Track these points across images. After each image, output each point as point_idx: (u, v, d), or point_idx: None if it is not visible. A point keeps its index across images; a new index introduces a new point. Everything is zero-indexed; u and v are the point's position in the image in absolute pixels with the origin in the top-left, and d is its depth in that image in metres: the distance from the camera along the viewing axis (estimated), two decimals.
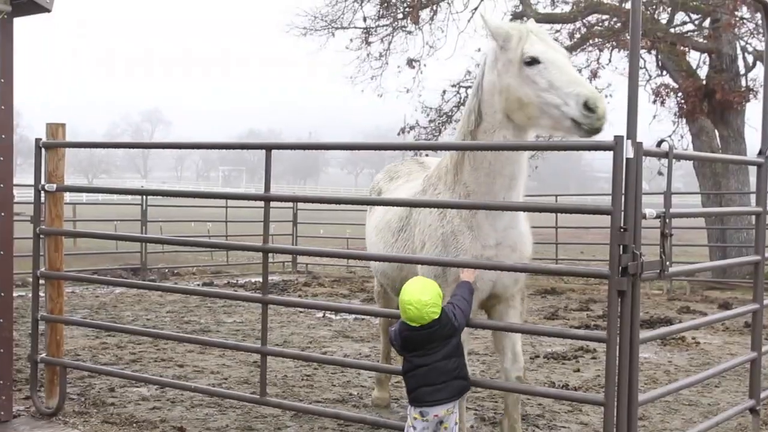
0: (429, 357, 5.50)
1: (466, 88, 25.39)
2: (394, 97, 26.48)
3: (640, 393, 5.42)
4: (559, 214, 21.67)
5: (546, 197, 26.87)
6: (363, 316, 14.48)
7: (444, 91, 25.37)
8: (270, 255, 7.39)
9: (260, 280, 7.08)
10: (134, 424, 7.53)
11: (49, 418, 7.58)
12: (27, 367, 8.76)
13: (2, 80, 7.27)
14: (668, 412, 8.58)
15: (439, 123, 25.44)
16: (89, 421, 7.60)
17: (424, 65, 25.54)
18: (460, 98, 25.39)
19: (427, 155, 12.14)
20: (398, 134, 25.76)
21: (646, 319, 14.15)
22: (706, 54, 22.40)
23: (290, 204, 23.94)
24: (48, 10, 7.36)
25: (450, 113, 25.43)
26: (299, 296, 17.69)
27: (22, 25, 7.52)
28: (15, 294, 7.88)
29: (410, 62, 25.45)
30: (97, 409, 8.07)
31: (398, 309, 5.54)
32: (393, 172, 8.51)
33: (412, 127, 25.50)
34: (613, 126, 5.79)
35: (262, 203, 7.03)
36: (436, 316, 5.45)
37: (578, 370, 10.57)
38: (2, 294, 7.34)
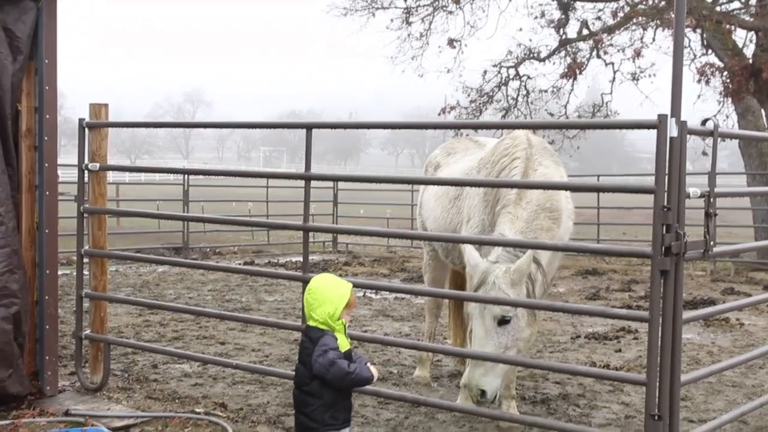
0: (296, 371, 5.08)
1: (507, 68, 25.24)
2: (434, 77, 26.41)
3: (683, 374, 5.37)
4: (601, 194, 21.51)
5: (588, 177, 26.59)
6: (403, 296, 14.50)
7: (485, 71, 25.25)
8: (310, 234, 7.43)
9: (300, 259, 7.12)
10: (177, 400, 7.62)
11: (94, 393, 7.69)
12: (72, 343, 8.88)
13: (47, 61, 7.34)
14: (711, 393, 8.50)
15: (480, 103, 25.31)
16: (132, 396, 7.70)
17: (465, 45, 25.42)
18: (501, 78, 25.24)
19: (467, 135, 12.10)
20: (439, 114, 25.68)
21: (689, 300, 14.01)
22: (752, 32, 21.99)
23: (330, 184, 24.00)
24: None
25: (491, 93, 25.29)
26: (339, 275, 17.71)
27: (65, 6, 7.59)
28: (59, 272, 7.99)
29: (451, 42, 25.32)
30: (140, 384, 8.18)
31: (444, 282, 5.48)
32: (450, 147, 9.12)
33: (452, 108, 25.40)
34: (657, 106, 5.81)
35: (302, 184, 7.07)
36: (314, 315, 4.94)
37: (619, 351, 10.50)
38: (47, 271, 7.45)
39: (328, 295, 4.99)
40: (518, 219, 6.83)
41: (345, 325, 5.07)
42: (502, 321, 6.30)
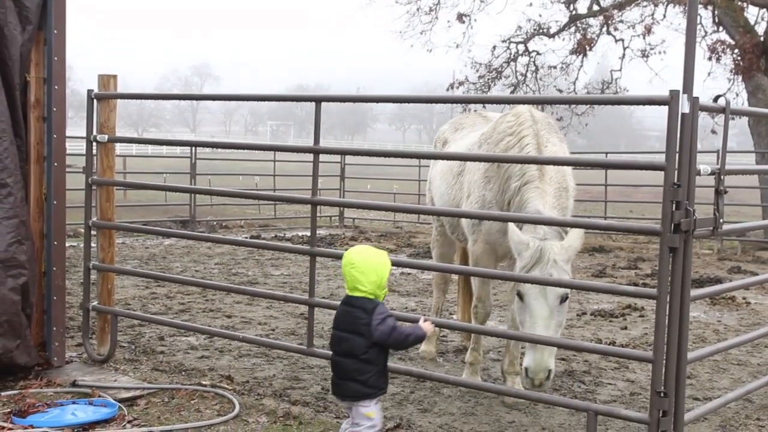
0: (337, 345, 5.22)
1: (517, 43, 25.11)
2: (443, 52, 26.29)
3: (689, 351, 5.36)
4: (608, 172, 21.45)
5: (595, 154, 26.55)
6: (409, 271, 14.51)
7: (494, 47, 25.12)
8: (317, 209, 7.42)
9: (307, 233, 7.08)
10: (183, 372, 7.65)
11: (101, 364, 7.72)
12: (79, 315, 8.92)
13: (55, 31, 7.30)
14: (717, 371, 8.50)
15: (488, 79, 25.20)
16: (139, 368, 7.73)
17: (475, 20, 25.30)
18: (510, 54, 25.11)
19: (475, 110, 12.06)
20: (447, 90, 25.61)
21: (695, 278, 13.98)
22: (764, 9, 21.82)
23: (338, 159, 23.99)
24: None
25: (500, 69, 25.18)
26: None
27: None
28: (67, 244, 7.99)
29: (460, 17, 25.20)
30: (147, 356, 8.21)
31: (453, 257, 5.45)
32: (458, 123, 9.08)
33: (461, 83, 25.31)
34: (667, 83, 5.76)
35: (310, 158, 7.05)
36: (361, 287, 5.14)
37: (625, 328, 10.50)
38: (55, 243, 7.45)
39: (372, 265, 5.21)
40: (546, 194, 6.74)
41: (384, 296, 5.30)
42: (564, 299, 6.31)
